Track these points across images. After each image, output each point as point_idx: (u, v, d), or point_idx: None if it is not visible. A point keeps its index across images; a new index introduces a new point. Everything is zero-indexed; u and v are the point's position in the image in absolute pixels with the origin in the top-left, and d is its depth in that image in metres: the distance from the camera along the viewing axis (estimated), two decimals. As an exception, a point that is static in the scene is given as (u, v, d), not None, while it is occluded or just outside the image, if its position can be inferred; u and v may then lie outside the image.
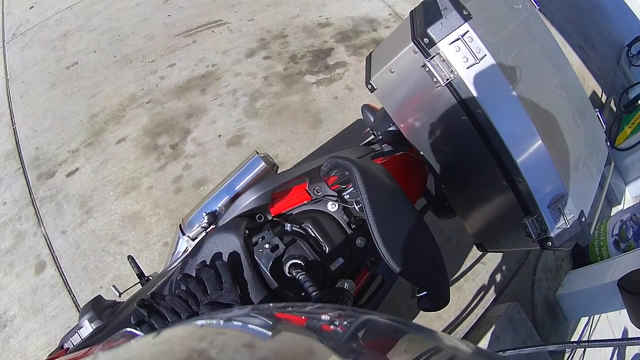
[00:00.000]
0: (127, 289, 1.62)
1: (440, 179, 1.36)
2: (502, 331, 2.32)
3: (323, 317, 0.52)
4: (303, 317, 0.54)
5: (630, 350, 2.69)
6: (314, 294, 0.92)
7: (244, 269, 1.01)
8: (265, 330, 0.46)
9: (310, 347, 0.44)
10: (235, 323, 0.51)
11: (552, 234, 1.16)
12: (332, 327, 0.49)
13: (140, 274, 1.62)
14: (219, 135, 3.06)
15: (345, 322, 0.49)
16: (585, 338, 2.75)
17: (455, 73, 1.07)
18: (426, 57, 1.09)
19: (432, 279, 1.09)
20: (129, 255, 1.70)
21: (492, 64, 1.05)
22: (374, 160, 1.42)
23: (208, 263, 1.02)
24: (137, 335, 0.85)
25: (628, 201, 3.68)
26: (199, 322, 0.52)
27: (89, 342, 1.20)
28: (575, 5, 6.02)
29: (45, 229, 2.66)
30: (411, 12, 1.20)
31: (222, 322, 0.52)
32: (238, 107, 3.26)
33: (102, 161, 2.94)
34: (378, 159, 1.44)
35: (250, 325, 0.49)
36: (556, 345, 1.80)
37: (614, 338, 2.73)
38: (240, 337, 0.47)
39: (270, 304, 0.57)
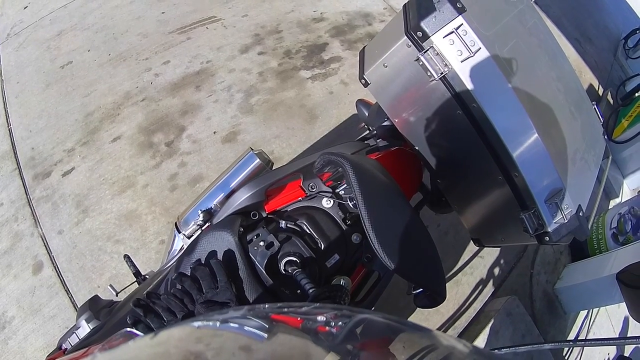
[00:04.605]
0: (124, 288, 1.62)
1: (436, 173, 1.35)
2: (500, 325, 2.33)
3: (319, 318, 0.51)
4: (299, 319, 0.53)
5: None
6: (310, 291, 0.91)
7: (239, 267, 1.01)
8: (261, 333, 0.46)
9: (306, 349, 0.44)
10: (231, 325, 0.51)
11: (549, 229, 1.15)
12: (328, 328, 0.48)
13: (137, 273, 1.62)
14: (214, 132, 3.06)
15: (340, 323, 0.48)
16: (584, 331, 2.76)
17: (450, 67, 1.06)
18: (420, 51, 1.08)
19: (427, 276, 1.09)
20: (126, 254, 1.70)
21: (487, 57, 1.04)
22: (369, 155, 1.42)
23: (203, 261, 1.02)
24: (137, 335, 0.84)
25: (626, 194, 3.69)
26: (196, 324, 0.52)
27: (86, 342, 1.20)
28: (571, -3, 6.03)
29: (42, 229, 2.66)
30: (404, 5, 1.18)
31: (218, 323, 0.51)
32: (233, 104, 3.25)
33: (98, 160, 2.93)
34: (373, 154, 1.43)
35: (246, 327, 0.48)
36: (551, 344, 1.80)
37: (609, 337, 2.73)
38: (237, 339, 0.47)
39: (266, 305, 0.57)
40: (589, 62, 4.74)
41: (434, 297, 1.11)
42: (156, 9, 4.11)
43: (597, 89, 4.56)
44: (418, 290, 1.12)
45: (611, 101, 4.45)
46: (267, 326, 0.49)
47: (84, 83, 3.45)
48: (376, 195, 1.03)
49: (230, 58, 3.61)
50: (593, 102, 1.47)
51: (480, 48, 1.03)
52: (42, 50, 3.81)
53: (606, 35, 5.83)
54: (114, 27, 3.94)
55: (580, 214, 1.17)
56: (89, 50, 3.73)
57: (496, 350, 1.55)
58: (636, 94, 4.04)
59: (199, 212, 1.31)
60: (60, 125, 3.17)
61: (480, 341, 2.26)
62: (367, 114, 1.69)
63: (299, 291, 1.04)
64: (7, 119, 3.29)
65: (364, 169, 1.06)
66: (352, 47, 3.83)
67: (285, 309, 0.56)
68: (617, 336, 2.83)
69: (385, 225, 1.00)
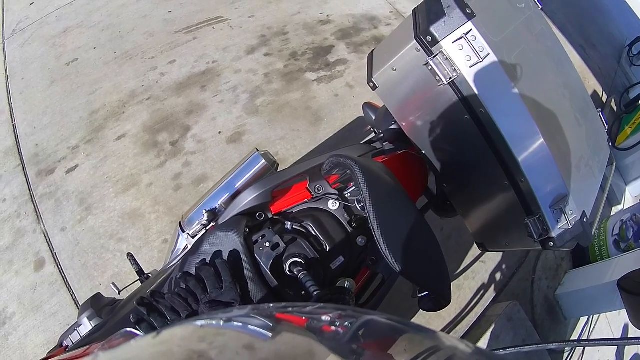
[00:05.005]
0: (127, 287, 1.62)
1: (441, 177, 1.35)
2: (501, 330, 2.32)
3: (323, 317, 0.51)
4: (303, 318, 0.53)
5: (629, 350, 2.69)
6: (315, 293, 0.92)
7: (244, 267, 1.01)
8: (265, 331, 0.46)
9: (310, 348, 0.44)
10: (235, 324, 0.51)
11: (553, 235, 1.15)
12: (332, 327, 0.48)
13: (140, 272, 1.62)
14: (219, 132, 3.06)
15: (345, 323, 0.48)
16: (584, 337, 2.75)
17: (458, 72, 1.06)
18: (429, 56, 1.08)
19: (433, 279, 1.09)
20: (129, 253, 1.70)
21: (495, 62, 1.04)
22: (375, 158, 1.42)
23: (208, 261, 1.02)
24: (137, 335, 0.84)
25: (628, 201, 3.68)
26: (199, 323, 0.51)
27: (88, 340, 1.20)
28: (576, 4, 6.01)
29: (44, 226, 2.66)
30: (414, 10, 1.19)
31: (222, 322, 0.51)
32: (238, 104, 3.25)
33: (102, 158, 2.94)
34: (379, 157, 1.44)
35: (250, 326, 0.48)
36: (556, 344, 1.80)
37: (613, 337, 2.73)
38: (240, 338, 0.47)
39: (271, 304, 0.57)
40: (593, 68, 4.73)
41: (439, 301, 1.11)
42: (162, 8, 4.12)
43: (600, 96, 4.55)
44: (423, 293, 1.13)
45: (615, 108, 4.44)
46: (272, 325, 0.49)
47: (89, 81, 3.46)
48: (384, 198, 1.03)
49: (236, 59, 3.62)
50: (598, 109, 1.47)
51: (489, 54, 1.04)
52: (47, 47, 3.82)
53: (610, 42, 5.82)
54: (120, 26, 3.95)
55: (585, 220, 1.18)
56: (94, 48, 3.75)
57: (501, 351, 1.54)
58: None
59: (204, 211, 1.31)
60: (65, 122, 3.18)
61: (481, 345, 2.26)
62: (373, 117, 1.69)
63: (303, 292, 1.04)
64: (11, 115, 3.30)
65: (373, 172, 1.07)
66: (358, 50, 3.83)
67: (290, 309, 0.56)
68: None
69: (393, 227, 1.00)
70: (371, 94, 1.33)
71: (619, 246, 2.91)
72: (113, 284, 1.58)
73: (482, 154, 1.15)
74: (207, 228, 1.30)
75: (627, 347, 2.67)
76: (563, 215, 1.13)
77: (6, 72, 3.66)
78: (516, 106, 1.07)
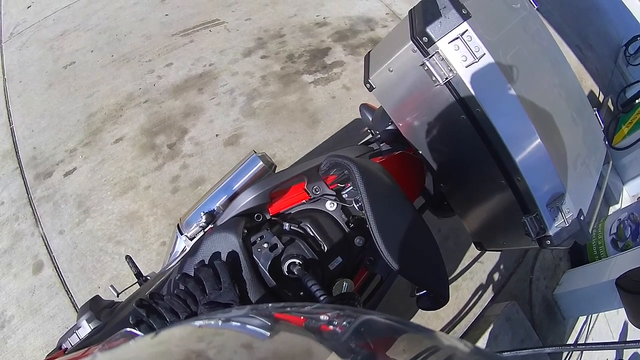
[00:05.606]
0: (125, 289, 1.62)
1: (438, 178, 1.36)
2: (500, 330, 2.33)
3: (322, 317, 0.51)
4: (302, 318, 0.53)
5: (628, 349, 2.69)
6: (321, 298, 0.91)
7: (243, 268, 1.01)
8: (263, 331, 0.46)
9: (308, 348, 0.44)
10: (233, 323, 0.51)
11: (551, 233, 1.16)
12: (331, 327, 0.48)
13: (138, 274, 1.62)
14: (217, 135, 3.06)
15: (344, 322, 0.49)
16: (583, 337, 2.75)
17: (454, 72, 1.07)
18: (425, 56, 1.09)
19: (431, 278, 1.09)
20: (127, 255, 1.70)
21: (491, 63, 1.05)
22: (372, 159, 1.42)
23: (206, 263, 1.02)
24: (137, 335, 0.84)
25: (626, 200, 3.69)
26: (197, 323, 0.52)
27: (87, 343, 1.20)
28: (572, 4, 6.03)
29: (42, 229, 2.65)
30: (410, 11, 1.20)
31: (220, 322, 0.51)
32: (235, 107, 3.25)
33: (100, 161, 2.93)
34: (376, 158, 1.44)
35: (248, 326, 0.48)
36: (554, 347, 1.80)
37: (612, 341, 2.73)
38: (239, 337, 0.47)
39: (269, 304, 0.57)
40: (589, 68, 4.75)
41: (437, 299, 1.11)
42: (160, 11, 4.12)
43: (597, 96, 4.56)
44: (421, 292, 1.13)
45: (611, 108, 4.46)
46: (270, 324, 0.49)
47: (86, 84, 3.46)
48: (382, 198, 1.03)
49: (233, 61, 3.62)
50: (594, 109, 1.48)
51: (484, 54, 1.04)
52: (45, 50, 3.81)
53: (607, 42, 5.83)
54: (117, 29, 3.95)
55: (582, 218, 1.18)
56: (92, 51, 3.74)
57: (498, 354, 1.55)
58: (636, 101, 4.04)
59: (202, 213, 1.30)
60: (63, 125, 3.17)
61: (480, 346, 2.25)
62: (370, 119, 1.70)
63: (302, 293, 1.04)
64: (9, 118, 3.30)
65: (370, 172, 1.07)
66: (355, 52, 3.83)
67: (289, 308, 0.56)
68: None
69: (391, 227, 1.00)
70: (368, 95, 1.33)
71: (616, 245, 2.92)
72: (111, 286, 1.58)
73: (479, 153, 1.15)
74: (205, 230, 1.30)
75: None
76: (560, 213, 1.14)
77: (4, 75, 3.66)
78: (512, 106, 1.08)
